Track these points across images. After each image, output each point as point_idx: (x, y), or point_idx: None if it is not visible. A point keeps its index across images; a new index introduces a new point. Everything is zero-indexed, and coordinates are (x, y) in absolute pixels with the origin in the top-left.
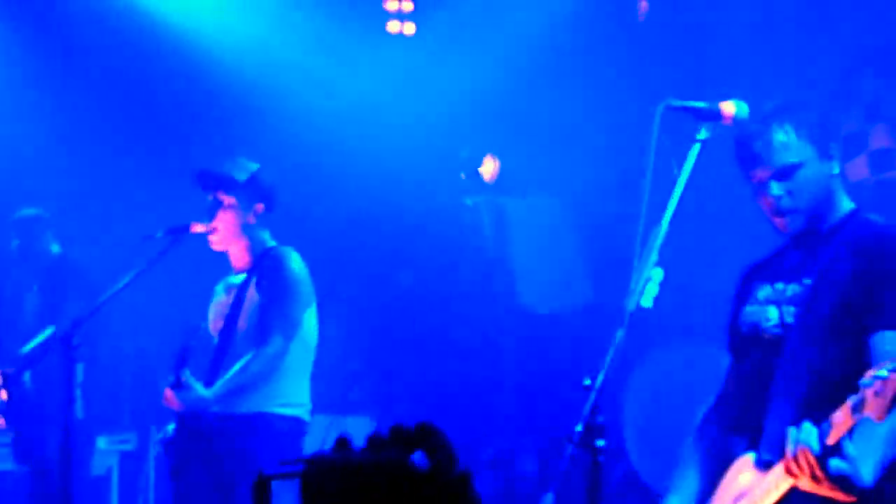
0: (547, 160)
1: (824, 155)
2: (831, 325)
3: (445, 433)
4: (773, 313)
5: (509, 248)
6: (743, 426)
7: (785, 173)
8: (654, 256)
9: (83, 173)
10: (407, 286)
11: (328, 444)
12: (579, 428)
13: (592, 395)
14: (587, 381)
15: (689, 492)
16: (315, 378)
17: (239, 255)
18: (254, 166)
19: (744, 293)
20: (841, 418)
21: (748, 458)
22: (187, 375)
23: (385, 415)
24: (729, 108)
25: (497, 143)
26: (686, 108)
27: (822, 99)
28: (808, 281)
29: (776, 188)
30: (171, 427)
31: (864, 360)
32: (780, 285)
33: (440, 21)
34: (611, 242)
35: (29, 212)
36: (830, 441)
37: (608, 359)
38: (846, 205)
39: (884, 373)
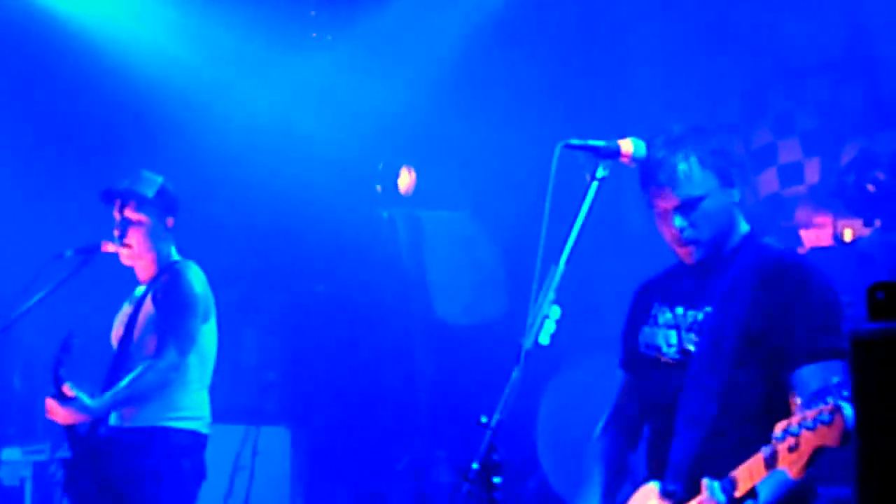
0: (463, 173)
1: (726, 183)
2: (734, 354)
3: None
4: (673, 339)
5: (425, 260)
6: (644, 448)
7: (689, 205)
8: (551, 294)
9: None
10: (323, 297)
11: (243, 456)
12: (475, 465)
13: (488, 434)
14: (483, 419)
15: None
16: (230, 389)
17: (145, 268)
18: (158, 179)
19: (640, 312)
20: (748, 472)
21: (653, 487)
22: (70, 386)
23: (301, 426)
24: (627, 146)
25: (413, 155)
26: (584, 147)
27: (730, 115)
28: (708, 309)
29: (679, 220)
30: (65, 445)
31: (769, 388)
32: (679, 310)
33: (357, 33)
34: (526, 255)
35: None
36: (738, 494)
37: (504, 397)
38: (742, 227)
39: (794, 429)
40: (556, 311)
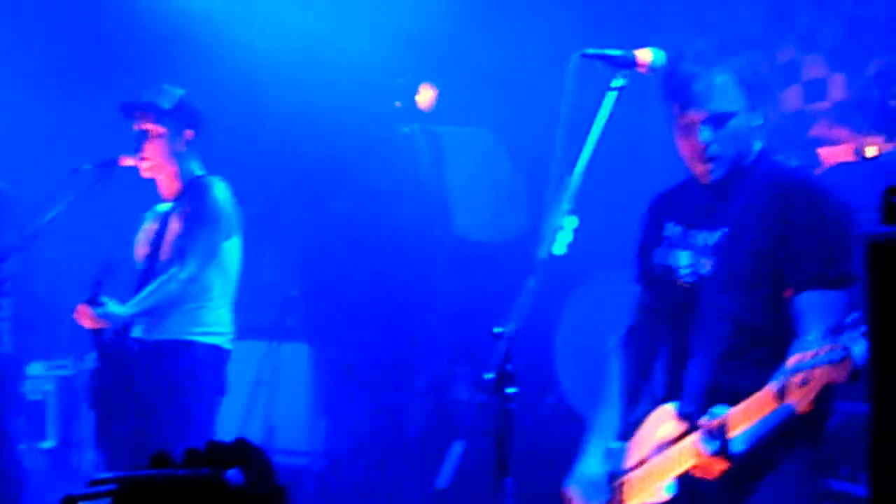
0: (483, 89)
1: (753, 106)
2: (748, 275)
3: (263, 450)
4: (686, 260)
5: (444, 176)
6: (660, 367)
7: (718, 120)
8: (566, 205)
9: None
10: (343, 213)
11: (263, 371)
12: (490, 375)
13: (503, 343)
14: (497, 329)
15: (609, 429)
16: (251, 305)
17: (167, 183)
18: (179, 92)
19: (653, 229)
20: (747, 410)
21: (670, 409)
22: (101, 297)
23: (321, 342)
24: (645, 55)
25: (434, 71)
26: (601, 57)
27: (755, 29)
28: (723, 230)
29: (706, 133)
30: (91, 355)
31: (783, 310)
32: (693, 231)
33: None
34: (546, 172)
35: None
36: (731, 435)
37: (517, 306)
38: (756, 146)
39: (807, 364)
40: (571, 222)
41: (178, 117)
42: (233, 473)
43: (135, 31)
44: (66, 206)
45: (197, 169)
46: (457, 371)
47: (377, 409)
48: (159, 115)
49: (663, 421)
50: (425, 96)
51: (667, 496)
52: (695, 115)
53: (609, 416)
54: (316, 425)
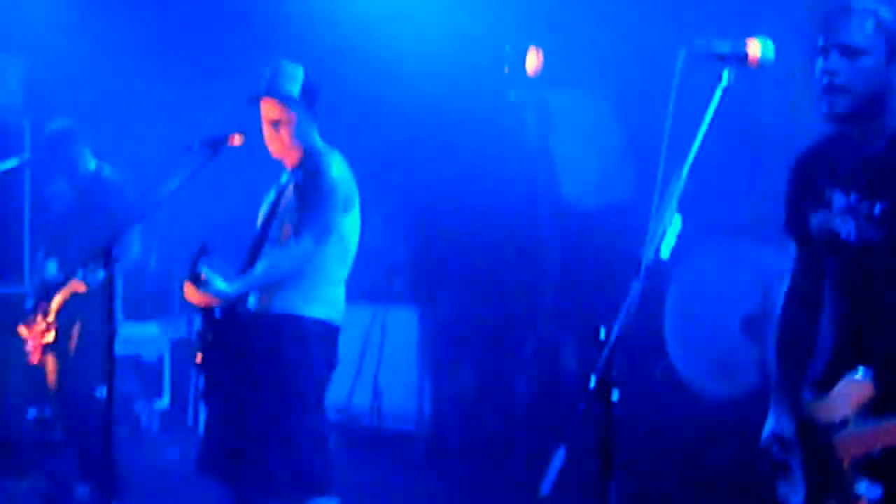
0: (592, 54)
1: (891, 58)
2: None
3: None
4: (851, 225)
5: (553, 142)
6: (830, 329)
7: (851, 51)
8: (673, 205)
9: (119, 84)
10: (451, 179)
11: (372, 336)
12: (593, 382)
13: (607, 350)
14: (602, 334)
15: (798, 384)
16: (358, 269)
17: (290, 157)
18: (300, 72)
19: (807, 191)
20: None
21: (865, 381)
22: (206, 271)
23: (428, 306)
24: (755, 49)
25: (542, 36)
26: (709, 51)
27: None
28: (884, 203)
29: (836, 61)
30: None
31: None
32: (854, 197)
33: None
34: (655, 140)
35: (61, 123)
36: None
37: (623, 312)
38: None
39: None
40: (677, 222)
41: (306, 100)
42: None
43: (238, 7)
44: (179, 183)
45: (316, 140)
46: (564, 339)
47: (484, 374)
48: (290, 103)
49: (860, 388)
50: (532, 61)
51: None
52: (829, 41)
53: (795, 375)
54: (423, 390)
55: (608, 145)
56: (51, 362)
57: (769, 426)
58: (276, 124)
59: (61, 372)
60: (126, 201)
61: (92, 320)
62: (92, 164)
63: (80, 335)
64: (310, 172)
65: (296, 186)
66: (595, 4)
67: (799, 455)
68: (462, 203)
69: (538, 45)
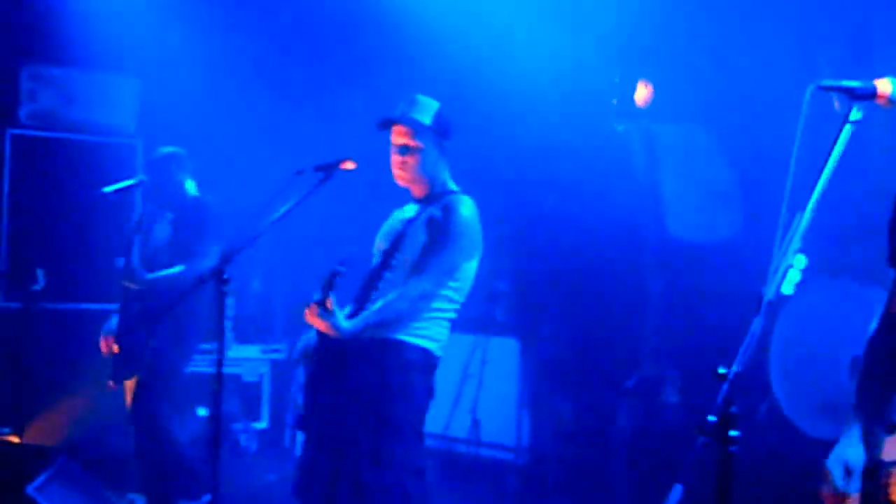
0: (701, 87)
1: None
2: None
3: None
4: None
5: (659, 175)
6: None
7: None
8: (796, 243)
9: (232, 107)
10: (555, 210)
11: (472, 365)
12: (712, 418)
13: (727, 385)
14: (722, 370)
15: (875, 416)
16: None
17: (420, 189)
18: (435, 104)
19: None
20: None
21: None
22: (332, 300)
23: (530, 337)
24: (885, 86)
25: (650, 68)
26: (839, 88)
27: None
28: None
29: None
30: (311, 335)
31: None
32: None
33: None
34: (763, 174)
35: (166, 150)
36: None
37: (744, 348)
38: None
39: None
40: (801, 261)
41: (437, 131)
42: None
43: (370, 36)
44: (290, 207)
45: (449, 181)
46: (666, 374)
47: (584, 407)
48: (419, 131)
49: None
50: (641, 93)
51: None
52: None
53: (875, 404)
54: (522, 420)
55: (715, 180)
56: (129, 382)
57: (837, 450)
58: (403, 150)
59: (134, 392)
60: (223, 226)
61: (161, 341)
62: (193, 190)
63: (151, 356)
64: (443, 214)
65: (430, 222)
66: (704, 38)
67: (859, 486)
68: (566, 234)
69: (647, 77)
